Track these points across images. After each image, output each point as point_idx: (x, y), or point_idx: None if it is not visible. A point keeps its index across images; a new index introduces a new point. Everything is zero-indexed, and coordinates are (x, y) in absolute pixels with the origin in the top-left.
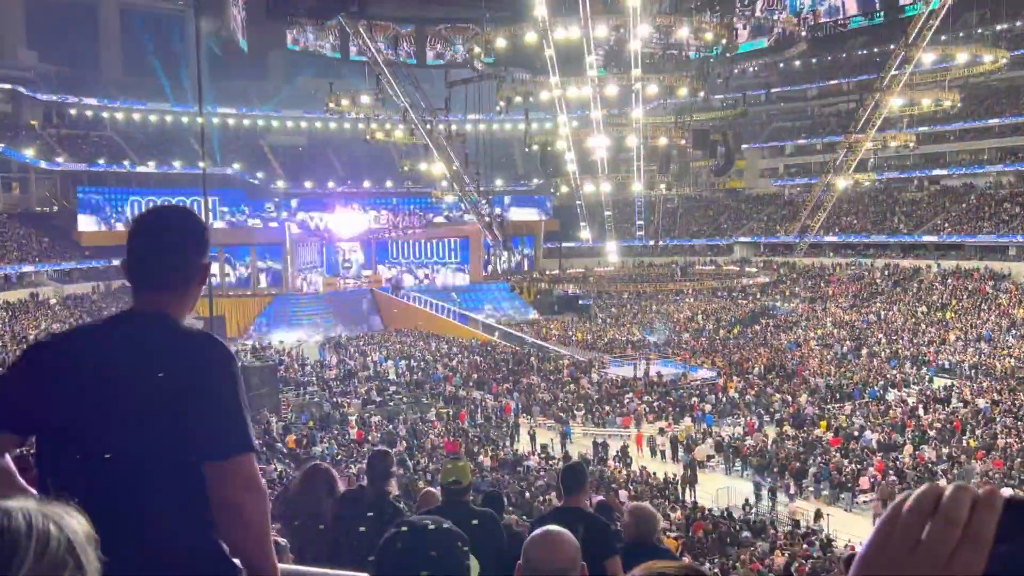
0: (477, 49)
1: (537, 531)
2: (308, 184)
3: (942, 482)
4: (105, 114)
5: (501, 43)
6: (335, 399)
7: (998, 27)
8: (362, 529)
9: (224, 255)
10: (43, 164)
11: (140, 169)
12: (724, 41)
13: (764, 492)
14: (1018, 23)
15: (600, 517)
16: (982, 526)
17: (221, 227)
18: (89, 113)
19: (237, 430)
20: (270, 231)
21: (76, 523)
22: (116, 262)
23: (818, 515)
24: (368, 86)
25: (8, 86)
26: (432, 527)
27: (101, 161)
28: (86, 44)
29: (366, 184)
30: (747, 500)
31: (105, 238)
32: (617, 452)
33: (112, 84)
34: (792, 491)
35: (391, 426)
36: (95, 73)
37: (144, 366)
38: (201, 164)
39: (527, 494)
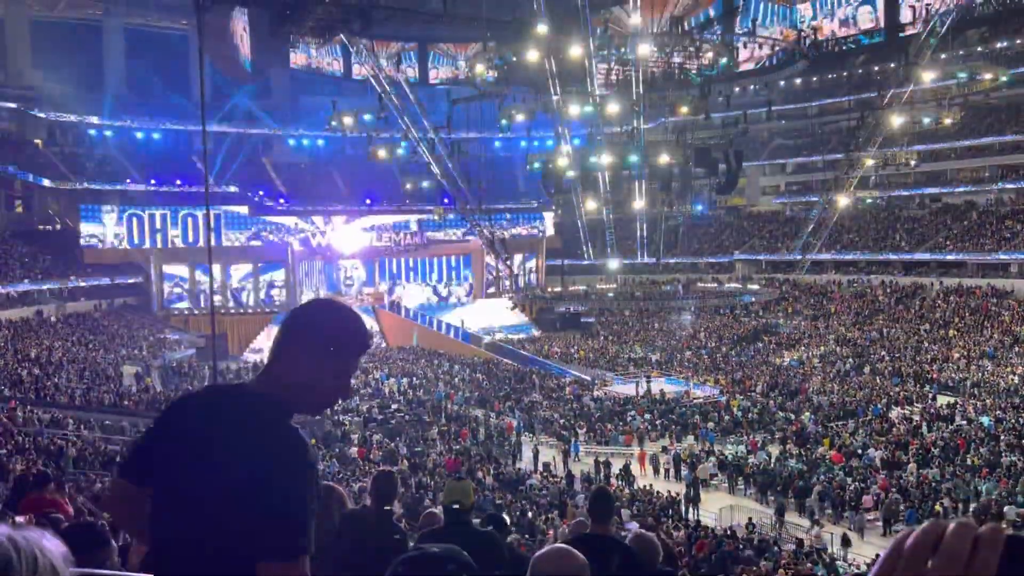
0: (480, 68)
1: (544, 548)
2: (310, 202)
3: (945, 501)
4: (108, 132)
5: (503, 61)
6: (336, 417)
7: (998, 45)
8: (364, 551)
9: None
10: (46, 182)
11: (143, 187)
12: (724, 60)
13: (785, 515)
14: (1018, 41)
15: (632, 547)
16: (984, 564)
17: (222, 244)
18: (93, 131)
19: (294, 536)
20: (272, 249)
21: (54, 546)
22: (118, 280)
23: (846, 541)
24: (371, 104)
25: (13, 105)
26: (439, 554)
27: (104, 179)
28: (91, 63)
29: (368, 202)
30: (750, 519)
31: (107, 256)
32: (620, 471)
33: (116, 103)
34: (816, 516)
35: (392, 444)
36: (99, 92)
37: (233, 450)
38: (204, 182)
39: (529, 513)
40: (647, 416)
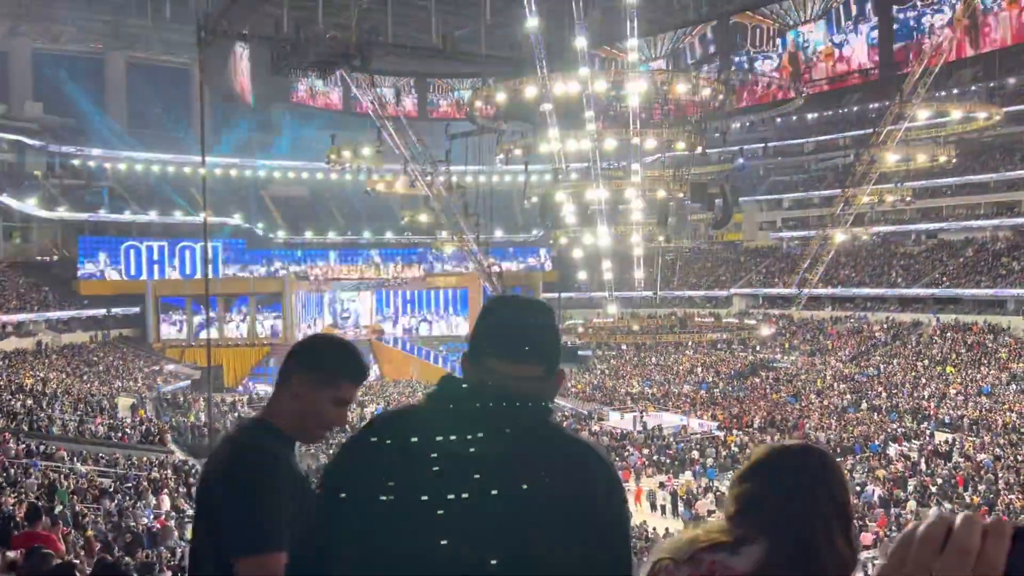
0: (478, 103)
1: None
2: (309, 234)
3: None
4: (108, 164)
5: (501, 97)
6: (332, 450)
7: (991, 84)
8: None
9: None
10: (44, 214)
11: (141, 219)
12: (722, 97)
13: None
14: (1011, 80)
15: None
16: (993, 555)
17: (221, 277)
18: (92, 164)
19: (245, 533)
20: (269, 281)
21: None
22: (115, 311)
23: None
24: (370, 138)
25: (13, 137)
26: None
27: (102, 211)
28: (92, 96)
29: (367, 234)
30: None
31: (104, 287)
32: None
33: (116, 135)
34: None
35: None
36: (100, 125)
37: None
38: (202, 214)
39: None
40: (644, 451)
